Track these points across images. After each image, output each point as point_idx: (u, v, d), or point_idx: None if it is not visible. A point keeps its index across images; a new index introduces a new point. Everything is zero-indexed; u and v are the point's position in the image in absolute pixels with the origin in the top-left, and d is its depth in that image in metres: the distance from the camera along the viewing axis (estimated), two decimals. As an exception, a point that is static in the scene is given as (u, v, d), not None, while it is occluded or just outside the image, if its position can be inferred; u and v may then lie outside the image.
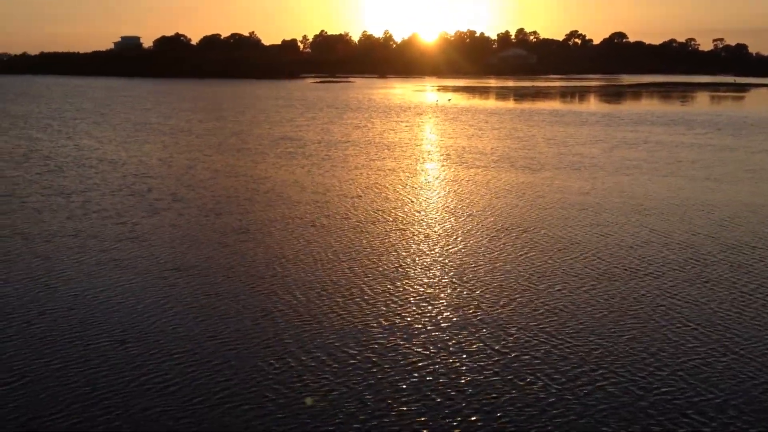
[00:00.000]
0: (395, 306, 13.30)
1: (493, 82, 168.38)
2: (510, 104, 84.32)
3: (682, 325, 12.38)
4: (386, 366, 10.76)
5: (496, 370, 10.62)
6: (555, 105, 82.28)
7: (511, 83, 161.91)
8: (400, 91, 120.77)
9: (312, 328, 12.21)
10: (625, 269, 15.55)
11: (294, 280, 14.79)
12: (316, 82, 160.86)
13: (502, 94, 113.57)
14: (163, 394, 9.87)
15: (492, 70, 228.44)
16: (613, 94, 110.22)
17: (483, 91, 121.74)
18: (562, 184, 26.52)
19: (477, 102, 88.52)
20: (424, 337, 11.83)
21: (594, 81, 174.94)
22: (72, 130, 47.57)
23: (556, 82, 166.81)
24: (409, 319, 12.65)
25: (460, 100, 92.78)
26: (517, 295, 13.84)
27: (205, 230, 19.10)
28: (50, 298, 13.71)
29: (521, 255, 16.67)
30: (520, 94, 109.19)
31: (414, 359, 10.99)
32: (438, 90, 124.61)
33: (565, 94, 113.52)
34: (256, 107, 73.87)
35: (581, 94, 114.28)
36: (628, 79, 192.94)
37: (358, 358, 11.03)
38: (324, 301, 13.53)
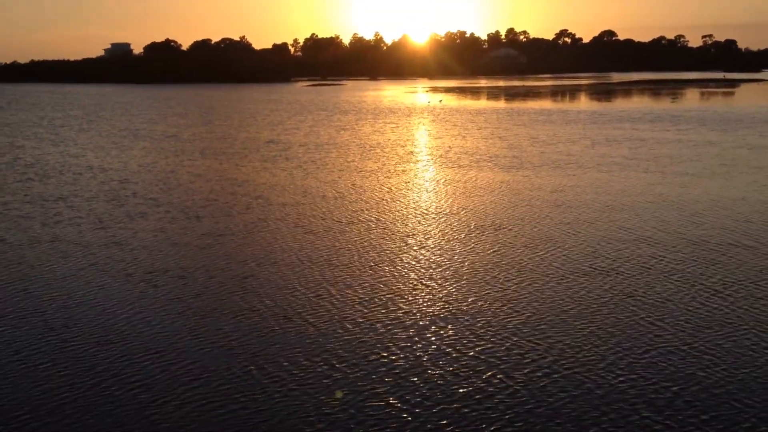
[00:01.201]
0: (373, 303, 13.57)
1: (483, 83, 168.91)
2: (499, 104, 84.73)
3: (651, 319, 12.69)
4: (363, 361, 11.02)
5: (468, 362, 10.93)
6: (544, 104, 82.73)
7: (501, 83, 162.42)
8: (391, 93, 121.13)
9: (291, 326, 12.47)
10: (594, 266, 15.86)
11: (273, 280, 15.07)
12: (308, 86, 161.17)
13: (492, 94, 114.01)
14: (143, 392, 10.11)
15: (482, 71, 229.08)
16: (602, 92, 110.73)
17: (474, 92, 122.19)
18: (541, 181, 26.86)
19: (467, 102, 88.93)
20: (400, 333, 12.11)
21: (584, 80, 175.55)
22: (58, 137, 47.79)
23: (546, 82, 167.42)
24: (386, 315, 12.93)
25: (451, 101, 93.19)
26: (489, 291, 14.16)
27: (186, 233, 19.35)
28: (32, 302, 13.93)
29: (494, 252, 16.98)
30: (510, 94, 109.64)
31: (391, 354, 11.27)
32: (429, 91, 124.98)
33: (555, 93, 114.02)
34: (245, 111, 74.14)
35: (570, 92, 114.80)
36: (617, 77, 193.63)
37: (337, 355, 11.28)
38: (302, 300, 13.80)
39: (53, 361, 11.20)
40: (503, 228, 19.40)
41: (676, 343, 11.55)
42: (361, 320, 12.72)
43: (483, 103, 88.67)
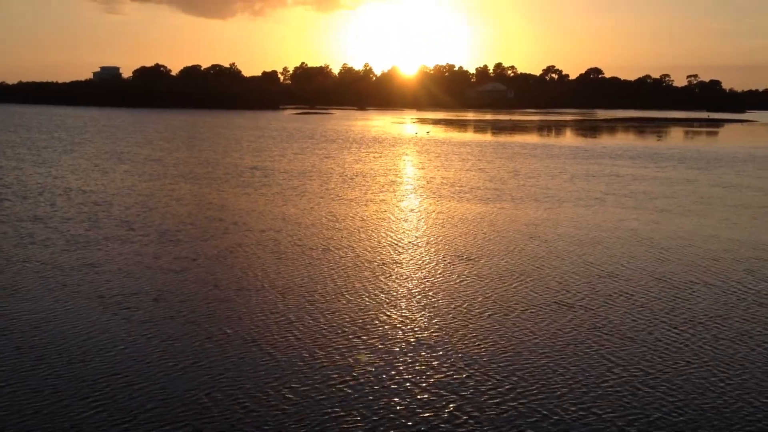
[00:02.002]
0: (342, 332, 13.66)
1: (471, 116, 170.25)
2: (485, 137, 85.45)
3: (614, 353, 12.86)
4: (331, 389, 11.11)
5: (434, 391, 11.08)
6: (528, 138, 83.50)
7: (488, 116, 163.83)
8: (379, 123, 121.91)
9: (260, 353, 12.53)
10: (561, 299, 16.06)
11: (246, 306, 15.14)
12: (296, 114, 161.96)
13: (479, 127, 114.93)
14: (106, 416, 10.13)
15: (470, 104, 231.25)
16: (586, 129, 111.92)
17: (461, 124, 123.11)
18: (518, 214, 27.15)
19: (454, 134, 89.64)
20: (369, 361, 12.21)
21: (569, 115, 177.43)
22: (40, 158, 47.78)
23: (532, 116, 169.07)
24: (355, 344, 13.02)
25: (439, 132, 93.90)
26: (457, 321, 14.30)
27: (162, 257, 19.41)
28: (0, 322, 13.96)
29: (465, 283, 17.16)
30: (497, 128, 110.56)
31: (358, 382, 11.37)
32: (417, 122, 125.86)
33: (540, 128, 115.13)
34: (231, 137, 74.39)
35: (556, 128, 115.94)
36: (603, 113, 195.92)
37: (305, 382, 11.34)
38: (273, 327, 13.86)
39: (19, 381, 11.22)
40: (476, 259, 19.61)
41: (638, 378, 11.73)
42: (330, 348, 12.82)
43: (469, 135, 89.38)
